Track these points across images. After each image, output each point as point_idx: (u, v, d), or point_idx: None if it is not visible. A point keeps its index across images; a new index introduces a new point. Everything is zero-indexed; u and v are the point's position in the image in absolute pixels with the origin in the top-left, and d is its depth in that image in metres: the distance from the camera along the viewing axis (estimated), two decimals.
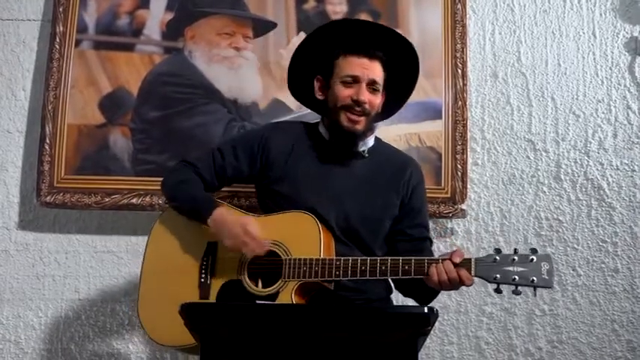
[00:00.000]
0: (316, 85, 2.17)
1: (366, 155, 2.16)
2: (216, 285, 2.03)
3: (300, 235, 1.97)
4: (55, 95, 2.65)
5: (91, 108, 2.67)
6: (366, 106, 2.07)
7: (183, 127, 2.64)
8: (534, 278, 1.78)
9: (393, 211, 2.14)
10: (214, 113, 2.65)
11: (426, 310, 1.60)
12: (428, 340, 2.53)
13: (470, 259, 1.85)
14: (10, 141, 2.72)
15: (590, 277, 2.67)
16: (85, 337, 2.64)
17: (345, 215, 2.06)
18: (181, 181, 2.14)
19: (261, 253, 1.97)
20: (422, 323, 1.61)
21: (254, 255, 1.98)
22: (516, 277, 1.80)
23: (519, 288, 1.80)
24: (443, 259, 1.87)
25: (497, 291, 1.82)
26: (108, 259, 2.67)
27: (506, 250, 1.84)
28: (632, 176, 2.71)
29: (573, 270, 2.67)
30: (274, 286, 1.95)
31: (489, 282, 1.83)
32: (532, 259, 1.80)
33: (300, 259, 1.94)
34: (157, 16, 2.74)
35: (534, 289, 1.80)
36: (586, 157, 2.73)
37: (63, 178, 2.61)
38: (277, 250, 1.99)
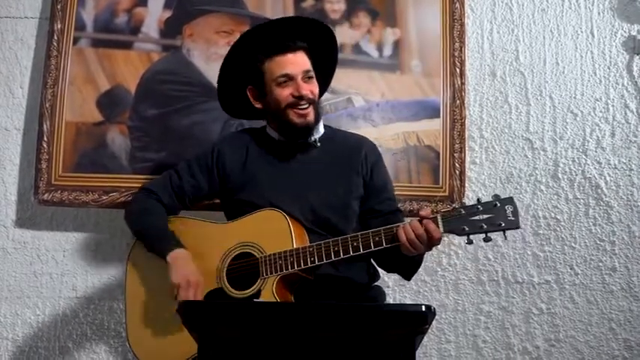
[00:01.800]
0: (250, 96, 2.19)
1: (318, 144, 2.17)
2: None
3: (270, 232, 1.99)
4: (53, 93, 2.64)
5: (89, 106, 2.66)
6: (310, 96, 2.10)
7: (181, 125, 2.64)
8: (501, 222, 1.82)
9: (357, 192, 2.15)
10: (212, 111, 2.64)
11: (423, 308, 1.60)
12: (425, 339, 2.53)
13: (436, 216, 1.87)
14: (8, 138, 2.72)
15: (588, 275, 2.67)
16: (83, 335, 2.64)
17: (310, 207, 2.08)
18: (141, 212, 2.17)
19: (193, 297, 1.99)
20: (419, 322, 1.61)
21: (181, 298, 1.99)
22: (484, 224, 1.83)
23: (489, 234, 1.83)
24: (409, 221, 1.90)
25: (469, 242, 1.85)
26: (105, 257, 2.66)
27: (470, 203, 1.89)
28: (629, 175, 2.72)
29: (571, 269, 2.67)
30: (254, 286, 1.97)
31: (459, 234, 1.86)
32: (496, 205, 1.84)
33: (274, 254, 1.96)
34: (155, 14, 2.73)
35: (504, 233, 1.83)
36: (584, 156, 2.73)
37: (61, 176, 2.61)
38: (252, 251, 2.00)
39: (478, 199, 1.86)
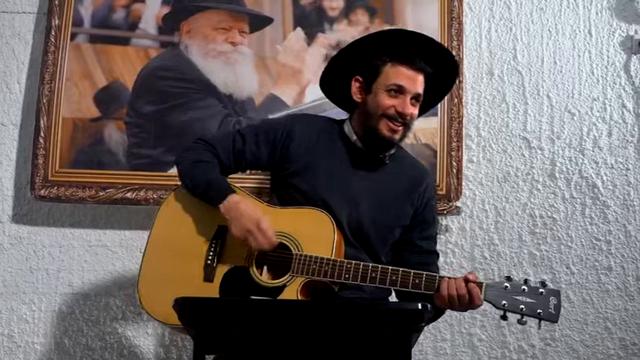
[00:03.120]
0: (354, 85, 2.14)
1: (387, 162, 2.14)
2: (221, 269, 2.00)
3: (313, 233, 1.97)
4: (50, 88, 2.64)
5: (86, 101, 2.66)
6: (408, 119, 2.07)
7: (179, 122, 2.64)
8: (541, 311, 1.80)
9: (404, 221, 2.13)
10: (209, 108, 2.65)
11: (419, 306, 1.60)
12: (421, 337, 2.54)
13: (481, 283, 1.86)
14: (5, 134, 2.72)
15: (584, 275, 2.68)
16: (79, 331, 2.63)
17: (358, 218, 2.06)
18: (197, 160, 2.10)
19: (267, 249, 1.96)
20: (415, 319, 1.62)
21: (260, 249, 1.96)
22: (524, 307, 1.81)
23: (524, 318, 1.82)
24: (455, 278, 1.89)
25: (504, 318, 1.84)
26: (102, 253, 2.66)
27: (516, 278, 1.87)
28: (626, 175, 2.72)
29: (567, 268, 2.68)
30: (282, 279, 1.94)
31: (497, 308, 1.85)
32: (541, 292, 1.82)
33: (311, 257, 1.93)
34: (152, 10, 2.73)
35: (539, 322, 1.81)
36: (581, 156, 2.73)
37: (57, 172, 2.61)
38: (288, 244, 1.98)
39: (525, 280, 1.85)
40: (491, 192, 2.71)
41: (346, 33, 2.69)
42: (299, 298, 1.91)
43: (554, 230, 2.70)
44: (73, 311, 2.65)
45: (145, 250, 2.10)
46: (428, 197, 2.18)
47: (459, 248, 2.67)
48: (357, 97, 2.13)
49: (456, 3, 2.71)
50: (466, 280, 1.86)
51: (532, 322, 1.84)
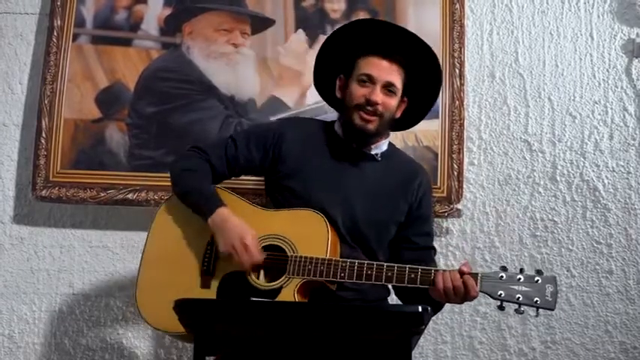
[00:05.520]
0: (338, 83, 2.17)
1: (379, 159, 2.15)
2: (218, 275, 2.01)
3: (308, 234, 1.97)
4: (52, 89, 2.64)
5: (88, 102, 2.66)
6: (379, 107, 2.06)
7: (180, 123, 2.64)
8: (538, 299, 1.81)
9: (399, 217, 2.13)
10: (211, 109, 2.65)
11: (419, 309, 1.60)
12: (422, 339, 2.54)
13: (477, 274, 1.86)
14: (6, 134, 2.72)
15: (585, 278, 2.68)
16: (79, 332, 2.64)
17: (352, 217, 2.06)
18: (189, 169, 2.11)
19: (249, 268, 1.96)
20: (416, 322, 1.61)
21: (243, 268, 1.96)
22: (520, 296, 1.82)
23: (522, 307, 1.82)
24: (450, 270, 1.89)
25: (501, 308, 1.84)
26: (102, 254, 2.66)
27: (512, 268, 1.87)
28: (627, 178, 2.72)
29: (567, 271, 2.68)
30: (278, 281, 1.94)
31: (493, 298, 1.84)
32: (537, 280, 1.83)
33: (306, 257, 1.94)
34: (154, 12, 2.73)
35: (537, 310, 1.82)
36: (582, 159, 2.73)
37: (58, 173, 2.61)
38: (283, 246, 1.98)
39: (521, 269, 1.85)
40: (492, 194, 2.71)
41: None
42: (296, 299, 1.91)
43: (555, 233, 2.69)
44: (74, 312, 2.65)
45: (141, 260, 2.12)
46: (422, 193, 2.17)
47: (460, 251, 2.67)
48: (339, 94, 2.17)
49: (457, 6, 2.71)
50: (461, 272, 1.87)
51: (530, 311, 1.85)
